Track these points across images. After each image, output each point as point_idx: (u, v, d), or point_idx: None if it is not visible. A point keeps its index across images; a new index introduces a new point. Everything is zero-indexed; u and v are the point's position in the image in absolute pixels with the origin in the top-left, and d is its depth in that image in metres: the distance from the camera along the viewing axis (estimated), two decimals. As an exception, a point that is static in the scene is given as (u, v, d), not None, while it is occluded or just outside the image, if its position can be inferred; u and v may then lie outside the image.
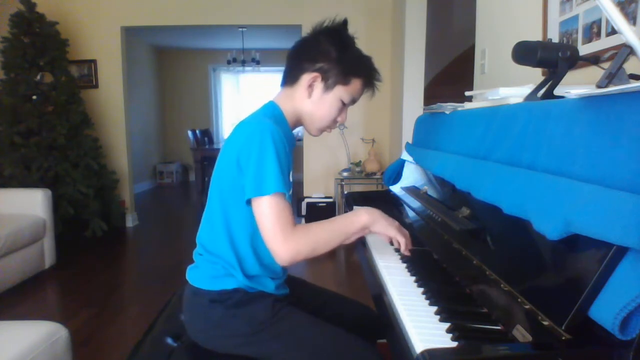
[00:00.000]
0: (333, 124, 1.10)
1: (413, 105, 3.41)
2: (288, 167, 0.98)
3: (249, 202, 0.93)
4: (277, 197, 0.91)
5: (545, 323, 0.60)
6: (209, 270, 1.02)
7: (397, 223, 1.03)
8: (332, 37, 1.04)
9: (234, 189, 0.96)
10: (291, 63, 1.08)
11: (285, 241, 0.90)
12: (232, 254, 0.99)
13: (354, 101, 1.08)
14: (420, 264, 1.02)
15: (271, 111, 1.05)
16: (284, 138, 0.95)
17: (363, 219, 0.99)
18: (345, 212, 1.23)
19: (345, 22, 1.08)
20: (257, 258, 1.00)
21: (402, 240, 1.01)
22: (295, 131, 1.14)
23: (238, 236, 0.99)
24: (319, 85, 1.04)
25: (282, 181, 0.91)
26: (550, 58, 0.91)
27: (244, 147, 0.94)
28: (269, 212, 0.91)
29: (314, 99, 1.05)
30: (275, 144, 0.92)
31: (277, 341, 0.96)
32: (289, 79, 1.07)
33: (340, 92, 1.04)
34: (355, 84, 1.05)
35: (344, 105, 1.07)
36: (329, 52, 1.03)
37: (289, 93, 1.07)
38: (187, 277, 1.06)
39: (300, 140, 4.33)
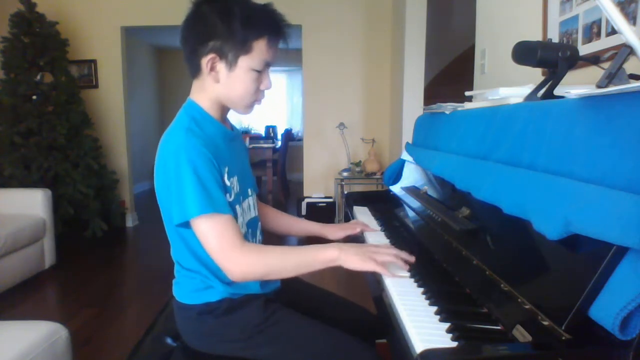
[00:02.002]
0: (258, 95, 0.99)
1: (413, 105, 3.41)
2: (220, 172, 0.92)
3: (185, 224, 0.89)
4: (208, 217, 0.86)
5: (545, 323, 0.60)
6: (189, 285, 0.99)
7: (372, 251, 0.91)
8: (213, 4, 0.91)
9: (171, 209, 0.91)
10: (185, 51, 0.96)
11: (231, 260, 0.87)
12: (203, 268, 0.96)
13: (268, 64, 0.96)
14: (420, 264, 1.02)
15: (190, 113, 0.97)
16: (202, 148, 0.88)
17: (331, 255, 0.90)
18: (345, 212, 1.24)
19: None
20: None
21: (381, 270, 0.89)
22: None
23: (200, 250, 0.93)
24: (220, 66, 0.93)
25: (204, 202, 0.85)
26: (550, 58, 0.91)
27: (165, 170, 0.90)
28: (206, 233, 0.87)
29: (222, 82, 0.94)
30: (191, 162, 0.86)
31: (274, 344, 0.95)
32: (192, 69, 0.97)
33: (247, 63, 0.92)
34: (259, 46, 0.92)
35: (259, 73, 0.95)
36: (215, 26, 0.90)
37: (199, 84, 0.98)
38: (173, 292, 1.04)
39: (300, 140, 4.32)
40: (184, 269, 1.00)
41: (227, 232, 0.88)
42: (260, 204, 1.23)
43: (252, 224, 1.08)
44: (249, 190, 1.09)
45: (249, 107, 1.00)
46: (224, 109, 1.02)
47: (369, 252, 0.91)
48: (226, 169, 0.95)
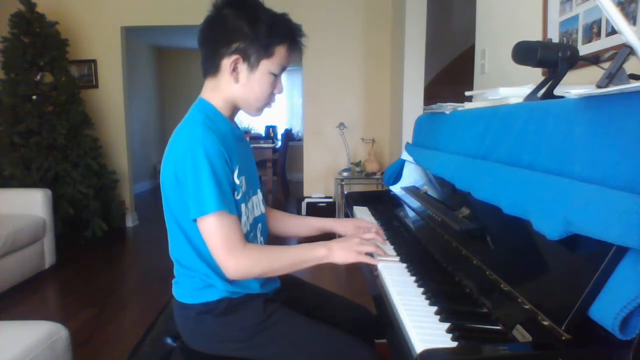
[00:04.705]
0: (272, 98, 1.03)
1: (413, 105, 3.40)
2: (231, 170, 0.94)
3: (195, 220, 0.91)
4: (219, 215, 0.88)
5: (545, 323, 0.60)
6: (188, 284, 1.00)
7: (355, 243, 0.97)
8: (238, 9, 0.94)
9: (180, 204, 0.94)
10: (205, 51, 0.98)
11: (234, 258, 0.90)
12: (204, 265, 0.97)
13: (284, 68, 1.00)
14: (420, 264, 1.02)
15: (203, 110, 0.98)
16: (219, 146, 0.91)
17: (320, 253, 0.96)
18: (345, 212, 1.23)
19: None
20: None
21: (365, 260, 0.97)
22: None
23: (203, 247, 0.94)
24: (242, 67, 0.96)
25: (220, 199, 0.88)
26: (550, 58, 0.91)
27: (179, 164, 0.91)
28: (214, 231, 0.89)
29: (242, 83, 0.97)
30: (209, 159, 0.88)
31: (274, 344, 0.95)
32: (210, 69, 0.99)
33: (267, 66, 0.96)
34: (280, 51, 0.96)
35: (275, 77, 0.99)
36: (241, 29, 0.93)
37: (214, 84, 0.99)
38: (173, 292, 1.04)
39: (300, 140, 4.32)
40: (183, 268, 1.00)
41: (232, 232, 0.90)
42: (267, 208, 1.20)
43: (257, 222, 1.08)
44: (255, 189, 1.09)
45: (260, 110, 1.04)
46: (235, 110, 1.04)
47: (352, 245, 0.97)
48: (237, 168, 0.97)
